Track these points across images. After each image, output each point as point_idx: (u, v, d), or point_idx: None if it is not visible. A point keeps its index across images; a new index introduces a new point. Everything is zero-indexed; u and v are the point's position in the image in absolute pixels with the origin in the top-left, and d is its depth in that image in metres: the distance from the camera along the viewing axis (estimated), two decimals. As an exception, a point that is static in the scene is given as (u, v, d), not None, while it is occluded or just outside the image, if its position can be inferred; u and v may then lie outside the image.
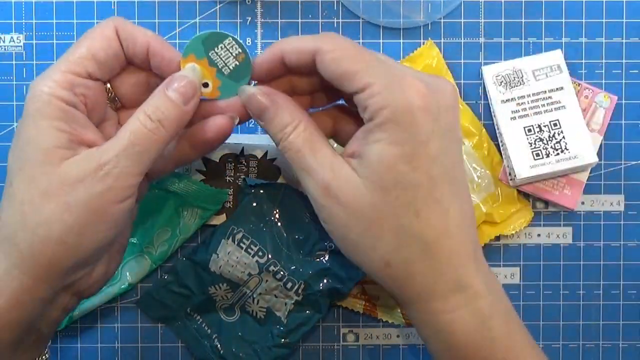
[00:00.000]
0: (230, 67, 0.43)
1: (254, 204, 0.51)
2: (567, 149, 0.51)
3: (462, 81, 0.54)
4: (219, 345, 0.52)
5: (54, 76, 0.40)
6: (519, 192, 0.53)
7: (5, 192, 0.40)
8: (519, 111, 0.52)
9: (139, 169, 0.40)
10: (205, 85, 0.43)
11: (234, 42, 0.43)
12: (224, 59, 0.43)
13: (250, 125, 0.54)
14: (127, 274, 0.52)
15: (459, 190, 0.41)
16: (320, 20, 0.54)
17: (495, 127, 0.53)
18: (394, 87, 0.39)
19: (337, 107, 0.46)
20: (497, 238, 0.53)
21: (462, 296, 0.41)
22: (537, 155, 0.51)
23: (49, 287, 0.40)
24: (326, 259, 0.51)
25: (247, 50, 0.43)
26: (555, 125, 0.51)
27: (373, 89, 0.39)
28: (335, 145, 0.46)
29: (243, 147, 0.52)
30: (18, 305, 0.39)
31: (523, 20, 0.54)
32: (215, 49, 0.43)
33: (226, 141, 0.53)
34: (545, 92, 0.52)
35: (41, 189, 0.38)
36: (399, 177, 0.39)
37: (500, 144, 0.53)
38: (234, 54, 0.43)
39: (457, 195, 0.41)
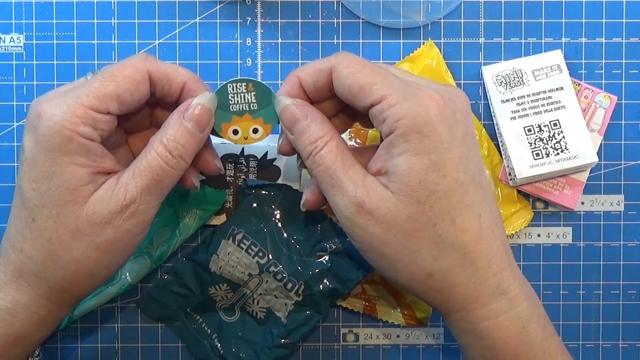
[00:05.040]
0: (254, 101, 0.43)
1: (255, 205, 0.51)
2: (567, 149, 0.51)
3: (462, 81, 0.54)
4: (219, 346, 0.52)
5: (77, 111, 0.39)
6: (519, 192, 0.53)
7: (28, 226, 0.40)
8: (519, 111, 0.52)
9: (160, 200, 0.41)
10: (255, 131, 0.44)
11: (234, 83, 0.43)
12: (244, 100, 0.43)
13: (250, 126, 0.54)
14: (127, 274, 0.52)
15: (486, 194, 0.42)
16: (320, 20, 0.54)
17: (495, 127, 0.53)
18: (410, 97, 0.39)
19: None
20: (497, 238, 0.53)
21: (503, 302, 0.41)
22: (537, 155, 0.51)
23: (69, 309, 0.43)
24: (326, 259, 0.51)
25: (248, 77, 0.43)
26: (555, 125, 0.51)
27: (390, 100, 0.39)
28: None
29: (243, 147, 0.52)
30: (44, 327, 0.43)
31: (523, 20, 0.54)
32: (231, 103, 0.43)
33: (226, 141, 0.53)
34: (545, 92, 0.52)
35: (70, 228, 0.40)
36: (432, 186, 0.39)
37: (500, 144, 0.53)
38: (244, 90, 0.43)
39: (485, 200, 0.41)
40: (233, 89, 0.43)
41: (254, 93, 0.43)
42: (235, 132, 0.44)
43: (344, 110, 0.45)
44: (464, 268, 0.41)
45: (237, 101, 0.43)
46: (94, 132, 0.40)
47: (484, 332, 0.41)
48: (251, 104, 0.43)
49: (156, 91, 0.42)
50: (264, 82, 0.43)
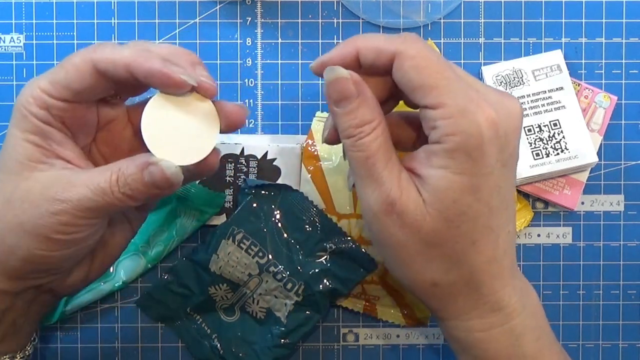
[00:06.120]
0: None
1: (254, 205, 0.51)
2: (567, 149, 0.51)
3: (462, 81, 0.54)
4: (218, 346, 0.52)
5: (34, 92, 0.39)
6: (519, 192, 0.53)
7: None
8: (519, 111, 0.52)
9: (94, 221, 0.39)
10: None
11: None
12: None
13: (250, 126, 0.54)
14: (122, 272, 0.52)
15: (510, 214, 0.41)
16: (320, 20, 0.54)
17: (495, 127, 0.53)
18: (467, 113, 0.37)
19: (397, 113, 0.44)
20: (497, 238, 0.53)
21: (499, 316, 0.41)
22: (537, 155, 0.51)
23: (10, 282, 0.41)
24: (326, 259, 0.51)
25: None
26: (555, 125, 0.51)
27: (446, 110, 0.37)
28: None
29: (243, 147, 0.52)
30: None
31: (523, 20, 0.54)
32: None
33: (226, 141, 0.53)
34: (545, 92, 0.52)
35: (5, 196, 0.39)
36: (464, 208, 0.39)
37: (500, 144, 0.53)
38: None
39: (508, 220, 0.41)
40: None
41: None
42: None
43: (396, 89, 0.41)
44: (468, 284, 0.41)
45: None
46: (48, 116, 0.39)
47: (475, 342, 0.42)
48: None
49: (111, 79, 0.39)
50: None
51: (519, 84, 0.52)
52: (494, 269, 0.41)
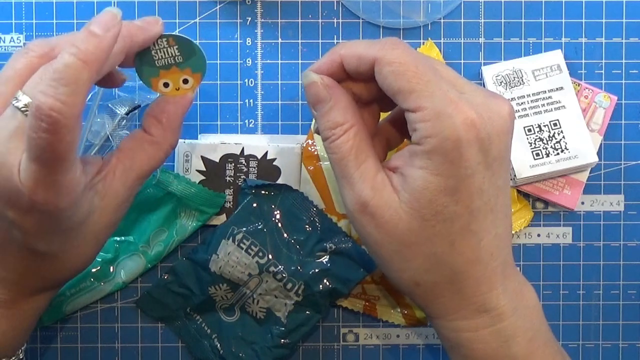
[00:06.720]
0: (177, 54, 0.43)
1: (254, 205, 0.51)
2: (567, 149, 0.51)
3: (462, 81, 0.54)
4: (218, 345, 0.52)
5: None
6: (519, 192, 0.53)
7: None
8: (519, 111, 0.52)
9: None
10: (185, 81, 0.44)
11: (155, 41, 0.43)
12: (168, 55, 0.43)
13: (250, 126, 0.54)
14: (122, 272, 0.52)
15: (497, 217, 0.41)
16: (320, 20, 0.54)
17: (495, 127, 0.53)
18: (444, 116, 0.38)
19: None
20: (497, 238, 0.53)
21: (486, 318, 0.41)
22: (537, 155, 0.51)
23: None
24: (326, 259, 0.51)
25: (167, 33, 0.43)
26: (555, 125, 0.51)
27: (424, 113, 0.38)
28: None
29: (243, 147, 0.52)
30: None
31: (523, 20, 0.54)
32: (156, 58, 0.43)
33: (226, 141, 0.53)
34: (545, 92, 0.52)
35: None
36: (440, 208, 0.39)
37: (500, 144, 0.53)
38: (165, 45, 0.43)
39: (494, 224, 0.41)
40: (155, 46, 0.43)
41: (177, 47, 0.43)
42: (166, 85, 0.44)
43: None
44: (451, 285, 0.41)
45: (162, 56, 0.43)
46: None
47: (462, 341, 0.42)
48: (176, 57, 0.43)
49: None
50: (183, 35, 0.43)
51: (519, 84, 0.52)
52: (477, 271, 0.40)
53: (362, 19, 0.54)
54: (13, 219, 0.39)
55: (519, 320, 0.41)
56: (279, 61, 0.54)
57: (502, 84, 0.52)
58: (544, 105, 0.52)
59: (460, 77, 0.41)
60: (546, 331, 0.43)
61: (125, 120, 0.52)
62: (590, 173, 0.53)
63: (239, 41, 0.54)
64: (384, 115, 0.46)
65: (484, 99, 0.40)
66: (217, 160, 0.52)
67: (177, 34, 0.43)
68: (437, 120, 0.38)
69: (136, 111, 0.52)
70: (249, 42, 0.54)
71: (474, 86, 0.41)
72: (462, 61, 0.54)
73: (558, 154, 0.51)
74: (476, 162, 0.39)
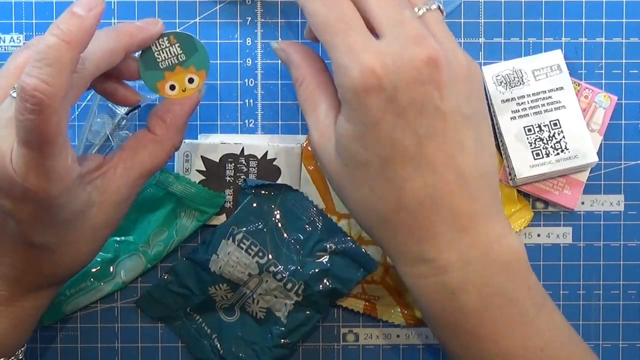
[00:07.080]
0: (180, 52, 0.44)
1: (254, 205, 0.51)
2: (567, 149, 0.51)
3: (462, 81, 0.54)
4: (218, 346, 0.52)
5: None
6: (518, 192, 0.53)
7: None
8: (519, 111, 0.52)
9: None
10: (191, 80, 0.44)
11: (156, 41, 0.44)
12: (170, 54, 0.44)
13: (250, 126, 0.54)
14: (122, 272, 0.52)
15: (423, 166, 0.40)
16: (320, 20, 0.54)
17: (495, 127, 0.53)
18: (342, 66, 0.40)
19: None
20: (497, 238, 0.53)
21: (426, 267, 0.42)
22: (537, 155, 0.51)
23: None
24: (326, 259, 0.51)
25: (167, 31, 0.44)
26: (555, 125, 0.51)
27: (334, 65, 0.40)
28: None
29: (243, 147, 0.52)
30: None
31: (523, 20, 0.54)
32: (159, 60, 0.44)
33: (226, 141, 0.53)
34: (545, 92, 0.52)
35: None
36: (353, 154, 0.41)
37: (500, 144, 0.53)
38: (167, 45, 0.44)
39: (419, 172, 0.40)
40: (157, 47, 0.43)
41: (178, 44, 0.44)
42: (172, 87, 0.44)
43: None
44: (383, 230, 0.42)
45: (165, 57, 0.44)
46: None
47: (410, 286, 0.43)
48: (179, 56, 0.44)
49: None
50: (183, 31, 0.44)
51: (519, 84, 0.52)
52: (407, 218, 0.41)
53: (362, 19, 0.54)
54: (8, 209, 0.39)
55: (472, 274, 0.41)
56: (279, 61, 0.54)
57: (502, 84, 0.52)
58: (544, 105, 0.52)
59: (394, 19, 0.40)
60: (515, 290, 0.42)
61: (125, 120, 0.52)
62: (590, 173, 0.53)
63: (239, 41, 0.54)
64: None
65: (401, 47, 0.39)
66: (217, 160, 0.52)
67: (177, 31, 0.44)
68: (337, 72, 0.40)
69: (136, 111, 0.52)
70: (249, 42, 0.54)
71: (403, 31, 0.40)
72: (462, 61, 0.54)
73: (558, 154, 0.51)
74: (382, 110, 0.39)
